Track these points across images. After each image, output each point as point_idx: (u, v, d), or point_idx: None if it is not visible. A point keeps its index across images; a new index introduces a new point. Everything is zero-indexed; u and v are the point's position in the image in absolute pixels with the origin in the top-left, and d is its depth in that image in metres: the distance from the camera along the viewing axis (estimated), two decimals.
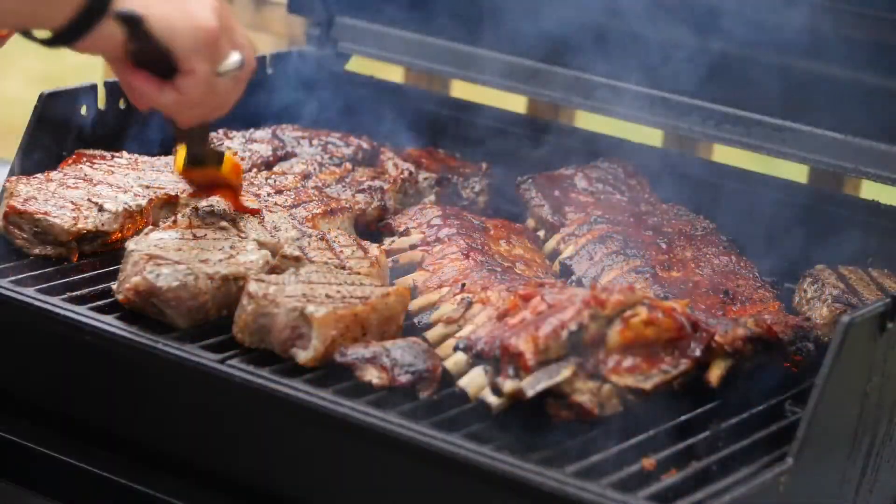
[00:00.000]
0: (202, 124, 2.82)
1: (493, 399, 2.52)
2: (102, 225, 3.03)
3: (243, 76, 2.68)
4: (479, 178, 3.55)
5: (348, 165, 3.47)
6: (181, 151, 2.97)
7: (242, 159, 3.43)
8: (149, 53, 2.55)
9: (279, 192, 3.24)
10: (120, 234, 3.05)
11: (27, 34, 2.53)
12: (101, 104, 3.43)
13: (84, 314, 2.76)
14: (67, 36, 2.48)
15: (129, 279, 2.78)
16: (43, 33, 2.50)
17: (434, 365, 2.66)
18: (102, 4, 2.47)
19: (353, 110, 3.79)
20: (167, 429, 2.72)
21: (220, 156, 3.00)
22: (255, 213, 3.05)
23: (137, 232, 3.03)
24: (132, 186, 3.15)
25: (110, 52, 2.55)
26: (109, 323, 2.74)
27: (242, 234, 2.93)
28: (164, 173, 3.23)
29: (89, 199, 3.06)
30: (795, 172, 4.03)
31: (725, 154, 4.01)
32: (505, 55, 3.73)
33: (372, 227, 3.30)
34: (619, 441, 2.53)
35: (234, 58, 2.63)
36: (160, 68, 2.58)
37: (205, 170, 2.97)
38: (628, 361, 2.54)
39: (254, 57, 2.71)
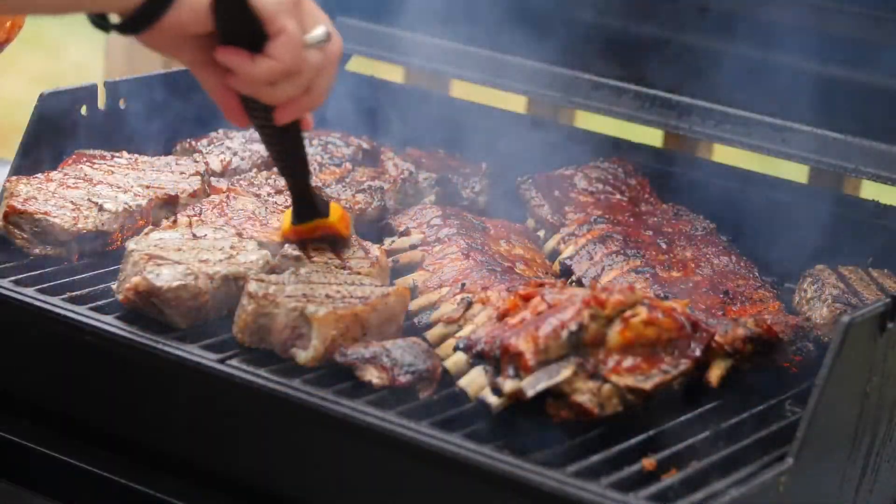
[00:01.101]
0: (297, 143, 2.72)
1: (493, 399, 2.52)
2: (102, 225, 3.03)
3: (332, 55, 2.57)
4: (479, 178, 3.55)
5: (348, 165, 3.47)
6: (287, 213, 2.90)
7: (243, 159, 3.43)
8: (236, 20, 2.46)
9: (279, 192, 3.24)
10: (120, 234, 3.05)
11: (100, 22, 2.45)
12: (101, 104, 3.44)
13: (84, 314, 2.76)
14: (150, 13, 2.40)
15: (129, 279, 2.78)
16: (116, 18, 2.41)
17: (434, 365, 2.66)
18: None
19: (353, 110, 3.79)
20: (167, 429, 2.72)
21: (327, 204, 2.90)
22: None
23: (137, 232, 3.03)
24: (132, 186, 3.15)
25: (193, 28, 2.46)
26: (109, 323, 2.74)
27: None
28: (164, 173, 3.24)
29: (89, 199, 3.06)
30: (795, 172, 4.03)
31: (725, 154, 4.01)
32: (505, 55, 3.73)
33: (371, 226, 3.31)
34: (619, 441, 2.53)
35: (319, 29, 2.54)
36: (248, 40, 2.49)
37: (313, 224, 2.88)
38: (628, 361, 2.54)
39: (340, 39, 2.60)
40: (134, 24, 2.43)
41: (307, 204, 2.87)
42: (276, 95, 2.55)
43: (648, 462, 2.49)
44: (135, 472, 2.71)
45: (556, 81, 3.67)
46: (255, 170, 3.41)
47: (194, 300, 2.76)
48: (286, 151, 2.76)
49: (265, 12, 2.46)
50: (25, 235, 3.00)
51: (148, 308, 2.77)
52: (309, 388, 2.58)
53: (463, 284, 2.91)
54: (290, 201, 3.18)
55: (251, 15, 2.46)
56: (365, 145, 3.61)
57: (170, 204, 3.15)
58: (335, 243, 2.92)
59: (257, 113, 2.61)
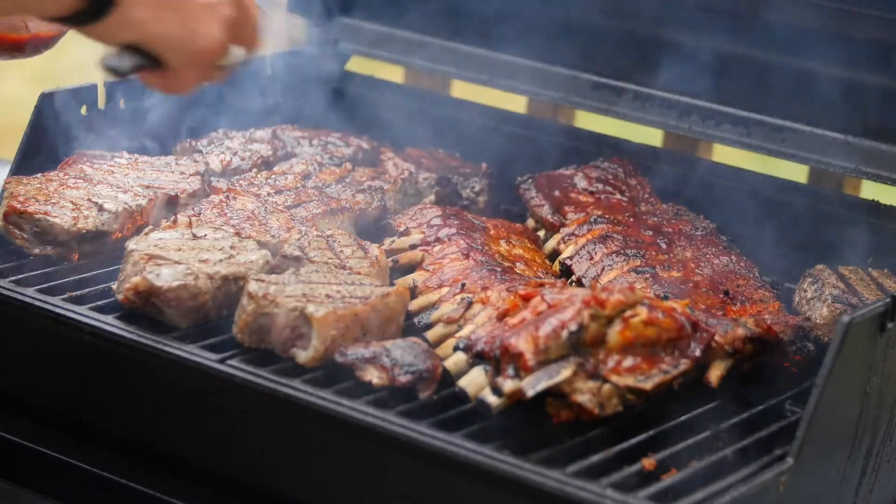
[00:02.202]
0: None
1: (493, 399, 2.52)
2: (102, 225, 3.03)
3: (254, 46, 2.66)
4: (479, 178, 3.55)
5: (348, 165, 3.47)
6: None
7: (243, 159, 3.43)
8: (144, 63, 2.54)
9: (279, 192, 3.24)
10: (120, 234, 3.05)
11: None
12: (101, 104, 3.44)
13: (84, 314, 2.76)
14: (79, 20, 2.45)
15: (129, 279, 2.78)
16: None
17: (434, 365, 2.66)
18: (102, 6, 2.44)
19: (353, 110, 3.79)
20: (167, 429, 2.72)
21: None
22: None
23: (137, 232, 3.03)
24: (132, 186, 3.15)
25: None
26: (109, 323, 2.74)
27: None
28: (164, 173, 3.24)
29: (89, 199, 3.06)
30: (795, 172, 4.03)
31: (725, 154, 4.01)
32: (505, 55, 3.73)
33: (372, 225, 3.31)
34: (619, 441, 2.53)
35: (235, 53, 2.61)
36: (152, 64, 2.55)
37: None
38: (628, 361, 2.54)
39: (256, 13, 2.64)
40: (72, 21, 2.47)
41: None
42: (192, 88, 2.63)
43: (648, 462, 2.49)
44: (135, 472, 2.71)
45: (556, 81, 3.67)
46: (255, 170, 3.41)
47: (194, 300, 2.76)
48: None
49: (172, 65, 2.53)
50: (25, 235, 3.00)
51: (148, 308, 2.77)
52: (309, 388, 2.57)
53: (463, 284, 2.91)
54: (288, 201, 3.18)
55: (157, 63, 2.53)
56: (365, 145, 3.61)
57: (170, 204, 3.15)
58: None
59: None
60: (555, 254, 3.22)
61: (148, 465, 2.71)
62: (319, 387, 2.59)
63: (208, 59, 2.57)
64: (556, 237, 3.26)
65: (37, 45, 3.14)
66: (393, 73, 4.43)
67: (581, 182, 3.45)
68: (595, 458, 2.48)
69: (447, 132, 3.76)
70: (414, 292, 2.94)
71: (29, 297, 2.81)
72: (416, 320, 2.89)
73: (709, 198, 3.43)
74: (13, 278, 2.90)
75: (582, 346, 2.51)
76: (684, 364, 2.58)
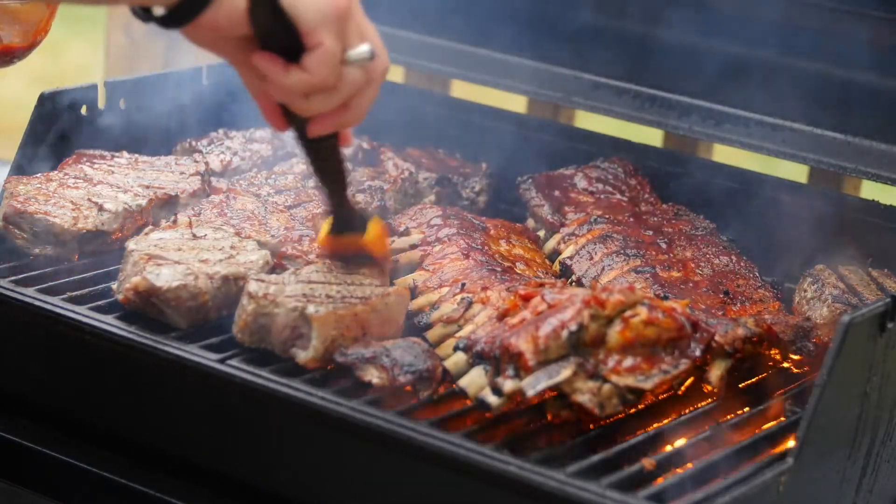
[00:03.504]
0: (338, 166, 2.67)
1: (493, 399, 2.52)
2: (102, 225, 3.03)
3: (375, 75, 2.53)
4: (479, 178, 3.55)
5: (348, 165, 3.47)
6: (328, 220, 2.79)
7: (243, 159, 3.43)
8: (272, 28, 2.40)
9: (279, 192, 3.24)
10: (120, 234, 3.05)
11: (143, 13, 2.40)
12: (101, 104, 3.44)
13: (84, 314, 2.76)
14: (188, 9, 2.35)
15: (129, 279, 2.78)
16: (159, 10, 2.37)
17: (434, 365, 2.66)
18: None
19: None
20: (167, 429, 2.72)
21: (364, 221, 2.80)
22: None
23: (137, 232, 3.03)
24: (132, 186, 3.15)
25: (231, 30, 2.41)
26: (109, 323, 2.74)
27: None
28: (164, 173, 3.24)
29: (89, 199, 3.06)
30: (795, 172, 4.03)
31: (725, 154, 4.01)
32: (505, 55, 3.73)
33: None
34: (619, 441, 2.53)
35: (363, 47, 2.47)
36: (286, 48, 2.42)
37: (347, 239, 2.79)
38: (628, 361, 2.54)
39: (387, 57, 2.55)
40: (173, 19, 2.39)
41: (342, 218, 2.78)
42: (310, 108, 2.50)
43: (648, 462, 2.49)
44: (135, 472, 2.71)
45: (556, 81, 3.67)
46: (255, 170, 3.41)
47: (194, 300, 2.76)
48: (320, 163, 2.69)
49: (303, 24, 2.41)
50: (25, 235, 3.00)
51: (148, 308, 2.77)
52: (309, 388, 2.58)
53: (463, 284, 2.91)
54: (288, 201, 3.18)
55: (288, 24, 2.40)
56: (365, 145, 3.61)
57: (170, 204, 3.15)
58: (369, 263, 2.83)
59: (293, 121, 2.56)
60: (555, 254, 3.22)
61: (148, 465, 2.71)
62: (319, 387, 2.59)
63: (341, 16, 2.42)
64: (556, 237, 3.26)
65: (10, 57, 3.14)
66: (393, 73, 4.43)
67: (581, 182, 3.46)
68: (595, 458, 2.48)
69: (447, 132, 3.76)
70: (414, 292, 2.94)
71: (29, 297, 2.81)
72: (416, 320, 2.89)
73: (709, 198, 3.43)
74: (13, 278, 2.90)
75: (582, 346, 2.51)
76: (684, 364, 2.58)
